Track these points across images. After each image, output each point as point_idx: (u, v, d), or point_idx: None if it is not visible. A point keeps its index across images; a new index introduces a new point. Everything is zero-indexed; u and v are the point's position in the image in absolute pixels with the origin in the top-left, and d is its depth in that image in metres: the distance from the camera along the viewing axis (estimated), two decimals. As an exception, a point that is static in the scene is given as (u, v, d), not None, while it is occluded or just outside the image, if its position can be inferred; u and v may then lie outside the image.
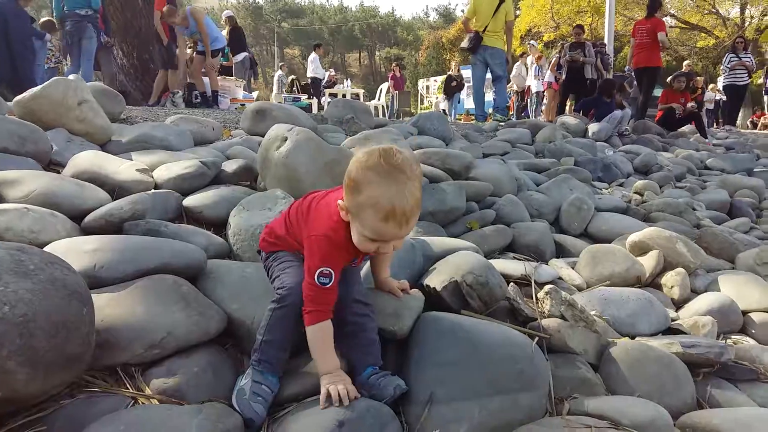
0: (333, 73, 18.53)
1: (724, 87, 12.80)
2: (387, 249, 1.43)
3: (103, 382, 1.45)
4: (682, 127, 9.18)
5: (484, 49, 8.08)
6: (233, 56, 10.69)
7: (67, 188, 2.21)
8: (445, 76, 13.37)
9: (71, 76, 3.18)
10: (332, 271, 1.44)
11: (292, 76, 16.46)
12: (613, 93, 7.88)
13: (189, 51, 8.33)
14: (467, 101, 19.54)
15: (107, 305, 1.54)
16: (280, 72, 16.97)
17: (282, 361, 1.51)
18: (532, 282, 2.24)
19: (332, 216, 1.48)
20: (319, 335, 1.46)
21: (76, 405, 1.35)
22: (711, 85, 16.64)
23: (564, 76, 9.75)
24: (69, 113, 3.06)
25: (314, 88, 14.53)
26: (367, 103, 13.37)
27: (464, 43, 8.42)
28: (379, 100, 16.08)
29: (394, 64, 18.80)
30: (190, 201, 2.41)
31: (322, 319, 1.46)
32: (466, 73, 17.21)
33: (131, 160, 2.77)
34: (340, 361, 1.51)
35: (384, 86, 16.96)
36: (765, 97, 14.98)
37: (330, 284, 1.44)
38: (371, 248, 1.42)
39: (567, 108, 10.28)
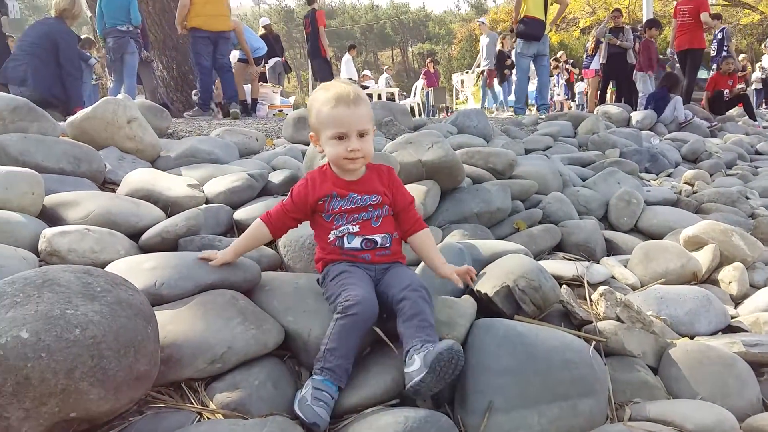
0: (367, 74, 18.59)
1: (769, 66, 12.30)
2: (353, 144, 1.65)
3: (169, 397, 1.50)
4: (730, 110, 8.87)
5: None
6: (266, 62, 10.86)
7: (124, 207, 2.28)
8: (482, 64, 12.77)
9: (120, 95, 3.28)
10: (290, 194, 1.79)
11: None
12: (678, 87, 7.65)
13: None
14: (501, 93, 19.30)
15: (169, 322, 1.59)
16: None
17: (344, 370, 1.52)
18: (585, 283, 2.21)
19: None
20: (249, 229, 1.84)
21: (145, 421, 1.39)
22: (757, 64, 16.00)
23: (604, 62, 9.52)
24: (119, 132, 3.16)
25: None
26: (402, 102, 13.36)
27: (522, 28, 7.96)
28: (414, 97, 16.04)
29: (428, 60, 18.64)
30: (240, 214, 2.46)
31: (259, 220, 1.82)
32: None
33: (181, 175, 2.85)
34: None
35: (419, 83, 16.90)
36: None
37: (284, 202, 1.79)
38: (341, 150, 1.66)
39: (609, 96, 10.06)
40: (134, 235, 2.19)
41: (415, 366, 1.42)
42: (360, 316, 1.50)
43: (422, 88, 16.57)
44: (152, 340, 1.39)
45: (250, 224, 2.36)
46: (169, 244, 2.11)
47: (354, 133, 1.66)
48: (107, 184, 2.90)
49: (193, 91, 7.55)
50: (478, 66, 13.26)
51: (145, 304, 1.45)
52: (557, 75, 16.19)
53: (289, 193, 1.79)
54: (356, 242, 1.73)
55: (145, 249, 2.10)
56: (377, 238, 1.74)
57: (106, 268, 1.74)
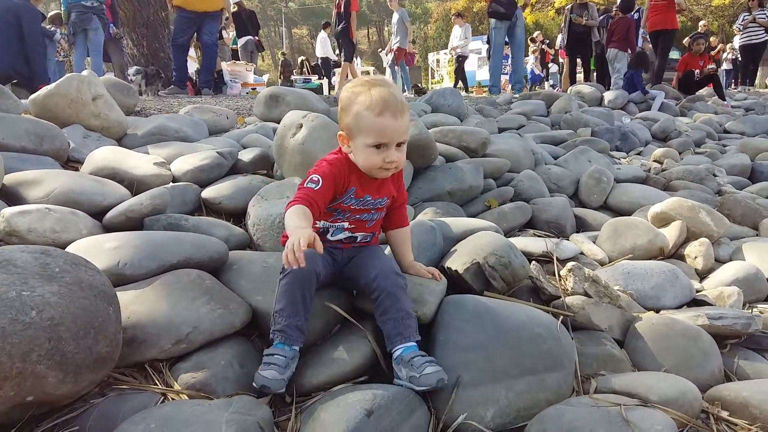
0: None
1: (740, 47, 12.43)
2: (392, 156, 1.54)
3: (132, 378, 1.47)
4: (700, 90, 8.98)
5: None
6: (238, 40, 10.69)
7: (87, 186, 2.22)
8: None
9: (84, 72, 3.17)
10: (320, 178, 1.55)
11: (302, 57, 16.34)
12: (649, 66, 7.74)
13: None
14: (478, 73, 19.28)
15: (133, 302, 1.56)
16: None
17: (294, 328, 1.49)
18: (554, 259, 2.22)
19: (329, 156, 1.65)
20: (292, 212, 1.47)
21: (107, 403, 1.37)
22: (728, 45, 16.22)
23: (567, 39, 9.54)
24: (84, 109, 3.07)
25: (325, 68, 14.40)
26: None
27: (496, 7, 8.04)
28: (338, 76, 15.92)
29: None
30: (208, 192, 2.41)
31: (298, 204, 1.49)
32: (474, 44, 16.93)
33: (148, 153, 2.78)
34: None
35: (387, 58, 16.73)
36: None
37: (317, 188, 1.54)
38: (378, 160, 1.54)
39: (583, 76, 10.10)
40: (98, 214, 2.13)
41: (403, 378, 1.47)
42: (295, 272, 1.46)
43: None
44: (114, 321, 1.36)
45: (220, 203, 2.36)
46: (133, 223, 2.06)
47: (394, 143, 1.54)
48: (71, 163, 2.82)
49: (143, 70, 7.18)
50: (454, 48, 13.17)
51: (106, 284, 1.41)
52: (534, 56, 16.24)
53: (317, 176, 1.56)
54: (340, 236, 1.70)
55: (109, 228, 2.05)
56: (360, 235, 1.72)
57: (67, 249, 1.70)
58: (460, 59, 13.03)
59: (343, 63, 10.58)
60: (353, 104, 1.53)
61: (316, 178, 1.56)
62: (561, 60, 13.25)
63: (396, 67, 12.05)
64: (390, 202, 1.74)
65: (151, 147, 2.94)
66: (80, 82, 3.07)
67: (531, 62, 16.03)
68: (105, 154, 2.58)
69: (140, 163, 2.50)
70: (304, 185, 1.56)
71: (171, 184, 2.42)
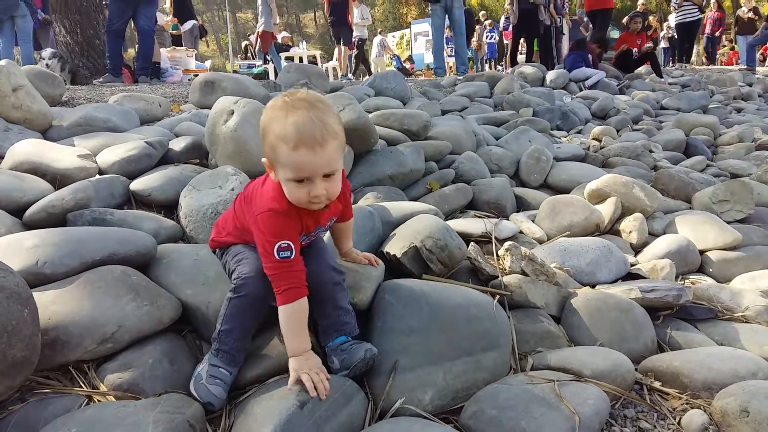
0: (286, 35, 18.02)
1: (675, 25, 12.85)
2: (317, 190, 1.32)
3: (57, 382, 1.41)
4: (638, 68, 9.23)
5: None
6: (181, 25, 10.30)
7: (5, 181, 2.09)
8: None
9: (3, 62, 2.98)
10: (290, 243, 1.37)
11: (245, 42, 15.95)
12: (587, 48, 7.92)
13: None
14: (426, 56, 19.30)
15: (53, 302, 1.48)
16: (380, 37, 16.43)
17: (242, 351, 1.46)
18: (493, 239, 2.24)
19: (272, 191, 1.42)
20: (296, 314, 1.37)
21: (27, 409, 1.30)
22: (665, 23, 16.71)
23: (516, 19, 9.62)
24: (4, 100, 2.89)
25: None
26: (325, 64, 13.07)
27: None
28: (336, 61, 15.73)
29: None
30: (137, 184, 2.31)
31: (299, 297, 1.37)
32: (422, 27, 16.91)
33: (73, 145, 2.65)
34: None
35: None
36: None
37: (293, 256, 1.37)
38: (302, 195, 1.33)
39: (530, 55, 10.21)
40: (18, 211, 2.02)
41: (336, 366, 1.46)
42: (250, 297, 1.41)
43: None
44: (29, 323, 1.29)
45: (149, 195, 2.27)
46: (55, 219, 1.95)
47: (318, 177, 1.32)
48: (-10, 158, 2.66)
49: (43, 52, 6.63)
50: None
51: (20, 285, 1.33)
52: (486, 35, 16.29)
53: (286, 243, 1.37)
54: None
55: (30, 226, 1.95)
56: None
57: (-18, 248, 1.60)
58: (360, 43, 12.85)
59: (342, 48, 11.27)
60: (268, 133, 1.33)
61: (285, 245, 1.37)
62: (505, 41, 13.37)
63: (267, 55, 11.05)
64: (338, 215, 1.63)
65: (76, 139, 2.80)
66: (-2, 72, 2.89)
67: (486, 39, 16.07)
68: (25, 148, 2.44)
69: (63, 156, 2.37)
70: (277, 256, 1.36)
71: (96, 176, 2.31)
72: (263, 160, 1.40)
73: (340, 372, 1.45)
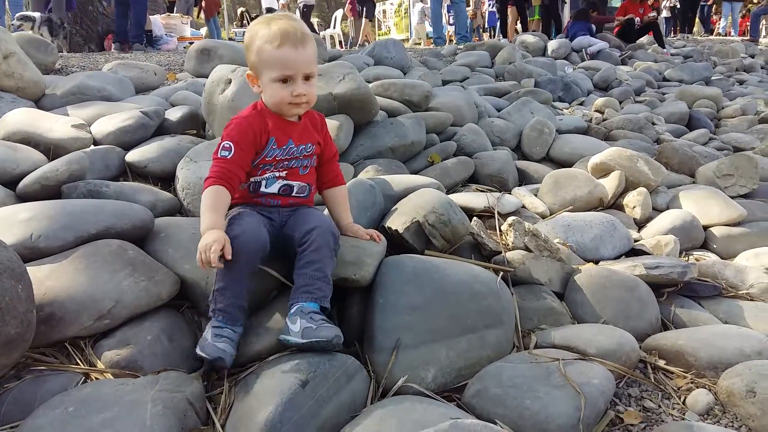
0: (285, 2, 17.67)
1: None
2: (299, 89, 1.50)
3: (53, 359, 1.39)
4: (640, 38, 9.09)
5: None
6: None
7: (-3, 152, 2.05)
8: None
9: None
10: (232, 144, 1.50)
11: (242, 9, 15.65)
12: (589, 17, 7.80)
13: None
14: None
15: (48, 278, 1.45)
16: (421, 5, 15.87)
17: (237, 308, 1.41)
18: (496, 214, 2.20)
19: (244, 111, 1.61)
20: (207, 199, 1.44)
21: (23, 387, 1.28)
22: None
23: None
24: (-6, 68, 2.82)
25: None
26: (322, 33, 12.85)
27: None
28: (334, 28, 15.45)
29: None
30: (132, 156, 2.26)
31: (213, 185, 1.45)
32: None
33: (67, 115, 2.58)
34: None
35: (339, 13, 16.23)
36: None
37: (229, 156, 1.49)
38: (285, 95, 1.51)
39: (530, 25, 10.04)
40: (11, 183, 1.98)
41: (295, 331, 1.36)
42: (241, 253, 1.37)
43: (344, 17, 15.90)
44: (23, 299, 1.26)
45: (145, 166, 2.22)
46: (50, 191, 1.91)
47: (300, 76, 1.51)
48: (-19, 128, 2.59)
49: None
50: None
51: (13, 260, 1.30)
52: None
53: (228, 143, 1.50)
54: (275, 187, 1.59)
55: (23, 198, 1.91)
56: (296, 185, 1.62)
57: (-26, 222, 1.56)
58: (305, 9, 12.60)
59: (365, 21, 11.78)
60: (254, 40, 1.51)
61: (227, 145, 1.50)
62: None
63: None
64: (318, 149, 1.67)
65: (70, 108, 2.73)
66: (-12, 39, 2.81)
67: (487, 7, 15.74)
68: (18, 117, 2.37)
69: (57, 125, 2.31)
70: (217, 155, 1.50)
71: (91, 147, 2.26)
72: (248, 73, 1.60)
73: (293, 338, 1.36)
